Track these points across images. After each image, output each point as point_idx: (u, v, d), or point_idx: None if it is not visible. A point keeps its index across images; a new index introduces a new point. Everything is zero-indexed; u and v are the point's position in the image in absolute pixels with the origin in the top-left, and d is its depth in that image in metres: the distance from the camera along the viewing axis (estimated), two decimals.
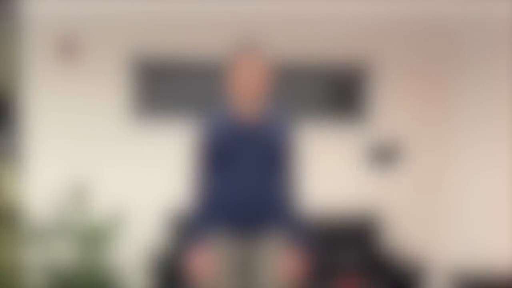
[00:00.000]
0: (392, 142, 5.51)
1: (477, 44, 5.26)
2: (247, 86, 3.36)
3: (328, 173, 5.40)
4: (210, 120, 3.44)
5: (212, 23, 5.25)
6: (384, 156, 5.49)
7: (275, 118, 3.45)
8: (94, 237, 4.90)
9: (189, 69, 5.25)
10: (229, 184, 3.41)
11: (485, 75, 5.16)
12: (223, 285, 3.44)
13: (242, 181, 3.40)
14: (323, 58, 5.37)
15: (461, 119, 5.45)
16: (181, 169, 5.23)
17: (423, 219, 5.56)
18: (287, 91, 5.33)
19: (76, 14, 5.12)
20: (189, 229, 3.44)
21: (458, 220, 5.44)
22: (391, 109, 5.50)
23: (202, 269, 3.43)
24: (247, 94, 3.37)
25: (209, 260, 3.43)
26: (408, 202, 5.53)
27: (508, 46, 4.92)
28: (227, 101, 3.49)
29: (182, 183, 5.21)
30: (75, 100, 5.17)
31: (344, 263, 5.22)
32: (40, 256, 4.92)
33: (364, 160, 5.49)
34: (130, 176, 5.23)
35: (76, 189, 5.14)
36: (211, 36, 5.24)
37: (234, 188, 3.40)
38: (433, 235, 5.57)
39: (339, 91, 5.42)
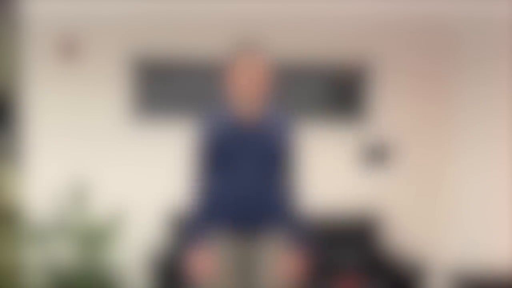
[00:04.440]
0: (391, 141, 5.51)
1: (477, 44, 5.26)
2: (247, 86, 3.36)
3: (328, 173, 5.40)
4: (209, 120, 3.44)
5: (212, 23, 5.25)
6: (382, 155, 5.50)
7: (275, 118, 3.45)
8: (94, 237, 4.91)
9: (189, 69, 5.25)
10: (229, 184, 3.41)
11: (485, 75, 5.16)
12: (223, 285, 3.44)
13: (241, 181, 3.40)
14: (323, 58, 5.37)
15: (461, 118, 5.45)
16: (181, 169, 5.23)
17: (423, 219, 5.56)
18: (287, 91, 5.33)
19: (76, 14, 5.12)
20: (189, 229, 3.44)
21: (458, 220, 5.44)
22: (391, 109, 5.51)
23: (202, 268, 3.43)
24: (247, 94, 3.37)
25: (209, 260, 3.43)
26: (408, 202, 5.53)
27: (508, 46, 4.92)
28: (227, 101, 3.49)
29: (182, 183, 5.21)
30: (75, 100, 5.18)
31: (344, 263, 5.22)
32: (40, 256, 4.92)
33: (364, 160, 5.49)
34: (130, 176, 5.23)
35: (76, 189, 5.15)
36: (211, 36, 5.24)
37: (233, 188, 3.41)
38: (433, 235, 5.57)
39: (339, 91, 5.42)
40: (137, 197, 5.24)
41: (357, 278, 4.99)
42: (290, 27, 5.33)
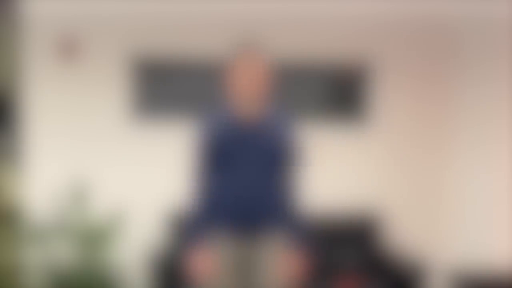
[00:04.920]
0: (391, 141, 5.51)
1: (477, 44, 5.26)
2: (247, 86, 3.36)
3: (329, 173, 5.40)
4: (210, 120, 3.44)
5: (212, 23, 5.25)
6: (381, 155, 5.50)
7: (276, 118, 3.45)
8: (94, 237, 4.91)
9: (189, 69, 5.25)
10: (230, 184, 3.41)
11: (485, 75, 5.16)
12: (223, 285, 3.44)
13: (242, 181, 3.40)
14: (323, 58, 5.37)
15: (461, 119, 5.45)
16: (181, 169, 5.23)
17: (423, 219, 5.56)
18: (287, 91, 5.33)
19: (76, 14, 5.12)
20: (189, 229, 3.44)
21: (458, 220, 5.44)
22: (391, 109, 5.50)
23: (202, 269, 3.43)
24: (247, 94, 3.37)
25: (209, 260, 3.43)
26: (409, 202, 5.53)
27: (508, 46, 4.92)
28: (227, 101, 3.49)
29: (182, 183, 5.21)
30: (75, 100, 5.17)
31: (344, 263, 5.22)
32: (40, 256, 4.92)
33: (362, 160, 5.49)
34: (130, 176, 5.23)
35: (76, 189, 5.15)
36: (211, 36, 5.24)
37: (234, 188, 3.40)
38: (433, 235, 5.57)
39: (339, 91, 5.42)
40: (137, 197, 5.23)
41: (357, 278, 4.99)
42: (290, 27, 5.33)
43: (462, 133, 5.43)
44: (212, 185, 3.45)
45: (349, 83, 5.43)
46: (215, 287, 3.45)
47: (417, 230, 5.55)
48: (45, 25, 5.10)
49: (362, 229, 5.31)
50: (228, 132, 3.39)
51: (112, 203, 5.21)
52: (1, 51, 5.30)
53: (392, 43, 5.47)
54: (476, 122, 5.26)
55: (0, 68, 5.33)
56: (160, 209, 5.26)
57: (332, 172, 5.42)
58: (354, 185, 5.48)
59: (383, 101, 5.49)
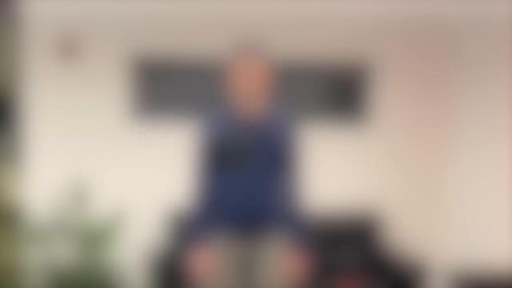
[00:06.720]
0: (393, 142, 5.51)
1: (477, 44, 5.26)
2: (247, 86, 3.36)
3: (329, 173, 5.40)
4: (211, 120, 3.44)
5: (212, 23, 5.25)
6: (380, 154, 5.49)
7: (277, 118, 3.45)
8: (94, 237, 4.90)
9: (189, 69, 5.25)
10: (230, 184, 3.41)
11: (486, 75, 5.16)
12: (224, 286, 3.44)
13: (243, 181, 3.40)
14: (323, 58, 5.37)
15: (461, 118, 5.45)
16: (182, 169, 5.23)
17: (423, 219, 5.56)
18: (287, 91, 5.33)
19: (76, 14, 5.12)
20: (190, 229, 3.44)
21: (458, 220, 5.44)
22: (391, 109, 5.50)
23: (203, 269, 3.43)
24: (248, 94, 3.37)
25: (210, 260, 3.43)
26: (409, 202, 5.53)
27: (508, 46, 4.92)
28: (227, 101, 3.49)
29: (183, 183, 5.21)
30: (75, 100, 5.17)
31: (344, 263, 5.22)
32: (40, 256, 4.92)
33: (362, 160, 5.49)
34: (130, 176, 5.23)
35: (76, 189, 5.14)
36: (211, 36, 5.24)
37: (235, 188, 3.40)
38: (433, 235, 5.57)
39: (339, 91, 5.42)
40: (137, 197, 5.23)
41: (357, 278, 4.99)
42: (290, 27, 5.33)
43: (462, 133, 5.43)
44: (212, 185, 3.45)
45: (349, 83, 5.43)
46: (215, 287, 3.45)
47: (417, 230, 5.55)
48: (45, 25, 5.10)
49: (362, 229, 5.31)
50: (228, 132, 3.39)
51: (112, 203, 5.21)
52: (1, 51, 5.30)
53: (392, 43, 5.47)
54: (476, 122, 5.26)
55: (0, 68, 5.33)
56: (160, 209, 5.26)
57: (332, 172, 5.42)
58: (354, 185, 5.48)
59: (383, 101, 5.49)
